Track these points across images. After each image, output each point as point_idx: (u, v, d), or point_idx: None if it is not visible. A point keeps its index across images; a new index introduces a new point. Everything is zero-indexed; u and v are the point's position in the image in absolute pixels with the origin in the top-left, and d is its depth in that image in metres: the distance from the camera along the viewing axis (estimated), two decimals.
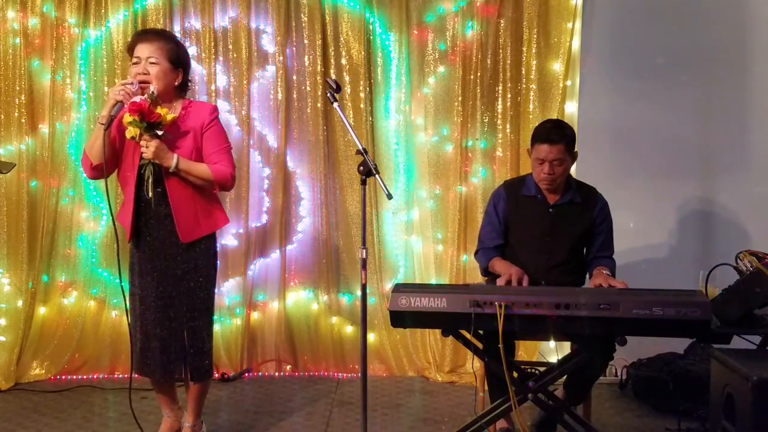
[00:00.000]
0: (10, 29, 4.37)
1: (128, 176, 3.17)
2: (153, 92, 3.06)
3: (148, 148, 3.02)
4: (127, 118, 2.99)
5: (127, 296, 3.20)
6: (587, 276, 3.44)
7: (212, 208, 3.26)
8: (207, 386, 3.40)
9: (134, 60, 3.13)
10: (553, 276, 3.34)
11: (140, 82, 3.08)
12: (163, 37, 3.19)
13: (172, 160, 3.07)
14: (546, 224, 3.40)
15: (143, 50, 3.11)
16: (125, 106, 3.00)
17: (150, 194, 3.11)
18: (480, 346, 3.04)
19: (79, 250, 4.50)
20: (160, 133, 3.03)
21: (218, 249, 3.38)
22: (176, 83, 3.18)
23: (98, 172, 3.14)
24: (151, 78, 3.09)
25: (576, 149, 3.37)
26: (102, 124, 3.02)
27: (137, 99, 2.99)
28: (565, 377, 3.36)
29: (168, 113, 3.05)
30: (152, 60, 3.10)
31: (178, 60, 3.17)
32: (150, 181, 3.10)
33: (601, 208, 3.44)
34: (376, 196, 4.50)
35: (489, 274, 3.45)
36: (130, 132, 3.03)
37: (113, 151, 3.14)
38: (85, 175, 3.27)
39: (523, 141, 4.37)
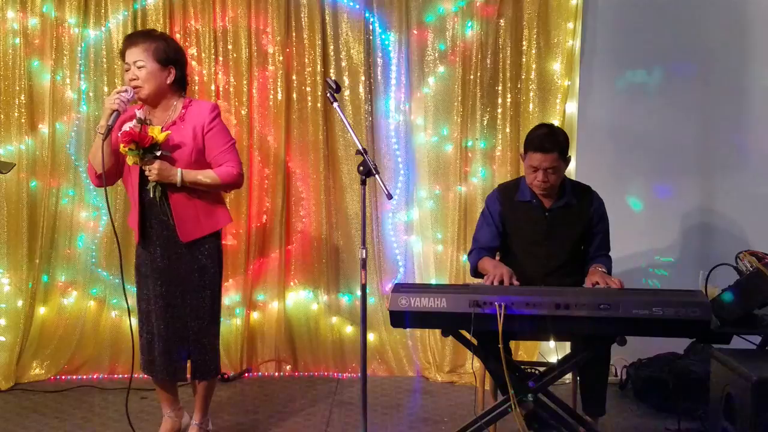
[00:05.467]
0: (10, 29, 4.37)
1: (130, 179, 3.18)
2: (140, 116, 3.05)
3: (152, 171, 3.04)
4: (123, 149, 3.01)
5: (131, 297, 3.21)
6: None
7: (214, 207, 3.26)
8: (214, 385, 3.42)
9: (125, 66, 3.13)
10: (552, 279, 3.32)
11: (134, 88, 3.08)
12: (148, 37, 3.15)
13: (177, 177, 3.08)
14: (543, 229, 3.38)
15: (131, 55, 3.10)
16: (122, 114, 3.03)
17: (152, 194, 3.11)
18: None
19: (79, 250, 4.51)
20: (158, 153, 3.04)
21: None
22: (169, 82, 3.15)
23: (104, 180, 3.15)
24: (141, 82, 3.08)
25: (569, 155, 3.36)
26: (100, 134, 3.02)
27: (127, 128, 2.99)
28: (578, 390, 3.38)
29: (161, 131, 3.04)
30: (139, 63, 3.09)
31: (167, 58, 3.13)
32: (159, 197, 3.11)
33: (597, 207, 3.42)
34: (376, 196, 4.50)
35: (478, 274, 3.42)
36: (130, 159, 3.04)
37: (116, 158, 3.15)
38: (92, 183, 3.29)
39: (522, 141, 4.34)
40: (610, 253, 3.47)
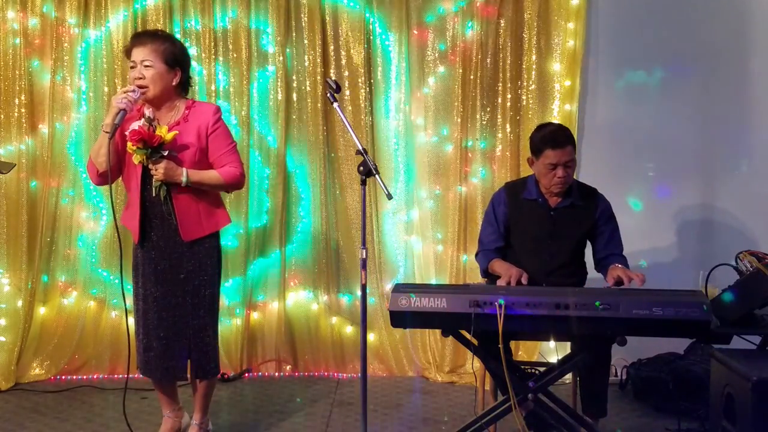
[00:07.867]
0: (10, 29, 4.37)
1: (132, 178, 3.18)
2: (149, 116, 3.07)
3: (158, 171, 3.05)
4: (131, 147, 3.02)
5: (128, 297, 3.21)
6: (603, 274, 3.39)
7: (214, 208, 3.27)
8: (213, 384, 3.42)
9: (131, 64, 3.14)
10: (554, 278, 3.33)
11: (139, 87, 3.08)
12: (157, 38, 3.16)
13: (183, 177, 3.09)
14: (548, 227, 3.39)
15: (138, 54, 3.10)
16: (128, 113, 3.03)
17: (156, 194, 3.12)
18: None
19: (79, 250, 4.50)
20: (165, 153, 3.05)
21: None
22: (174, 83, 3.17)
23: (104, 178, 3.16)
24: (148, 82, 3.09)
25: None
26: (106, 132, 3.03)
27: (135, 127, 3.00)
28: (579, 392, 3.38)
29: (168, 131, 3.05)
30: (147, 63, 3.09)
31: (174, 60, 3.15)
32: (164, 197, 3.11)
33: (603, 210, 3.42)
34: (376, 196, 4.50)
35: (489, 275, 3.45)
36: (137, 158, 3.05)
37: (117, 156, 3.15)
38: (91, 181, 3.28)
39: (523, 141, 4.36)
40: None
